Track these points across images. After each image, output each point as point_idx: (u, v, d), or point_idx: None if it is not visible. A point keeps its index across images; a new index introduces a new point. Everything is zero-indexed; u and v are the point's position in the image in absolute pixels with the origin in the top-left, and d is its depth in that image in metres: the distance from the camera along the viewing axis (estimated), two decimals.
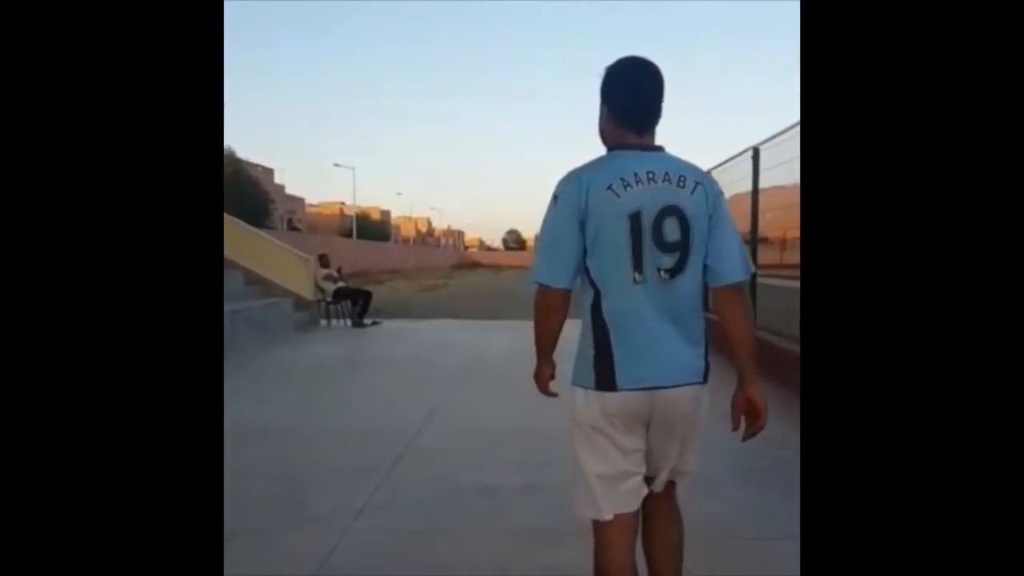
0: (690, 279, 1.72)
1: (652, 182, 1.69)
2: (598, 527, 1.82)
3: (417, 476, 3.60)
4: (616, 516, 1.79)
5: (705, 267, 1.76)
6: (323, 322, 11.18)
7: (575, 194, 1.70)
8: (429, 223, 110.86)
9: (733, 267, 1.75)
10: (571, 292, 1.77)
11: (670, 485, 1.90)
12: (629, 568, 1.82)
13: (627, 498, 1.80)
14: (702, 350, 1.78)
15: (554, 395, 1.96)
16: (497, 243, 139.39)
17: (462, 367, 6.97)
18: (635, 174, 1.69)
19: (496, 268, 51.73)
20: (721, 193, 1.78)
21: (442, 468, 3.72)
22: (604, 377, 1.71)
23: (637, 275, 1.68)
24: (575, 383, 1.79)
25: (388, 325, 11.01)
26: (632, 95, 1.76)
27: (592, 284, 1.74)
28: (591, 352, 1.74)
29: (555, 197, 1.74)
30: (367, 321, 10.90)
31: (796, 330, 5.49)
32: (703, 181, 1.74)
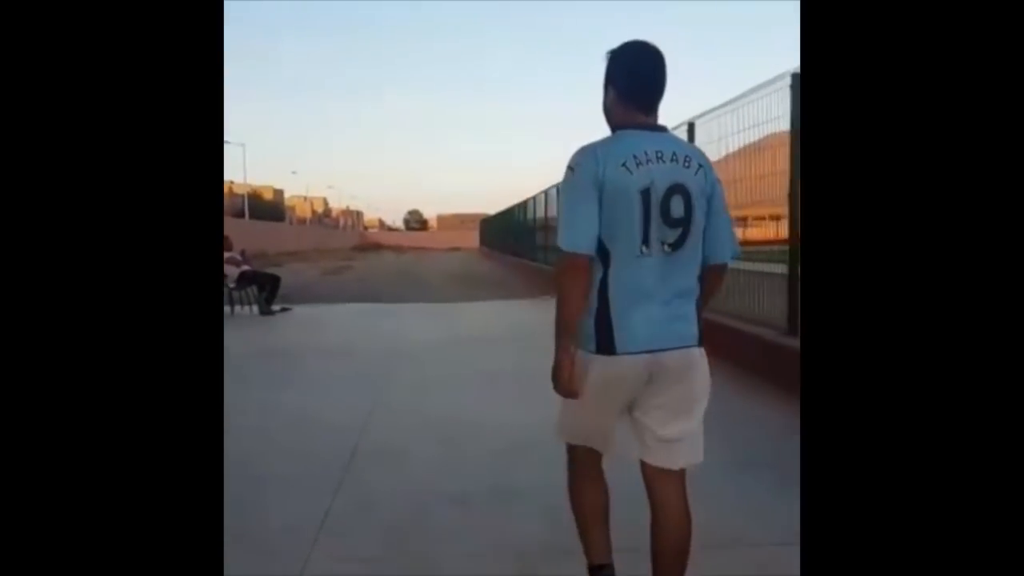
0: (689, 252, 1.84)
1: (660, 160, 1.79)
2: (572, 449, 2.04)
3: (373, 485, 3.21)
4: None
5: None
6: (226, 309, 10.37)
7: (592, 167, 1.77)
8: (326, 203, 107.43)
9: (723, 249, 1.92)
10: (593, 260, 1.77)
11: (679, 475, 1.91)
12: (600, 472, 2.04)
13: (605, 441, 1.98)
14: (696, 316, 1.88)
15: (576, 396, 1.83)
16: (398, 223, 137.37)
17: (390, 355, 6.53)
18: (645, 152, 1.78)
19: (399, 249, 50.82)
20: (718, 179, 1.91)
21: (399, 474, 3.35)
22: (604, 342, 1.79)
23: (644, 248, 1.78)
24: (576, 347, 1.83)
25: (299, 311, 10.35)
26: (638, 76, 1.87)
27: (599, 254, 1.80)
28: (591, 318, 1.80)
29: (571, 169, 1.81)
30: (276, 307, 10.19)
31: (730, 306, 5.85)
32: (704, 164, 1.87)
